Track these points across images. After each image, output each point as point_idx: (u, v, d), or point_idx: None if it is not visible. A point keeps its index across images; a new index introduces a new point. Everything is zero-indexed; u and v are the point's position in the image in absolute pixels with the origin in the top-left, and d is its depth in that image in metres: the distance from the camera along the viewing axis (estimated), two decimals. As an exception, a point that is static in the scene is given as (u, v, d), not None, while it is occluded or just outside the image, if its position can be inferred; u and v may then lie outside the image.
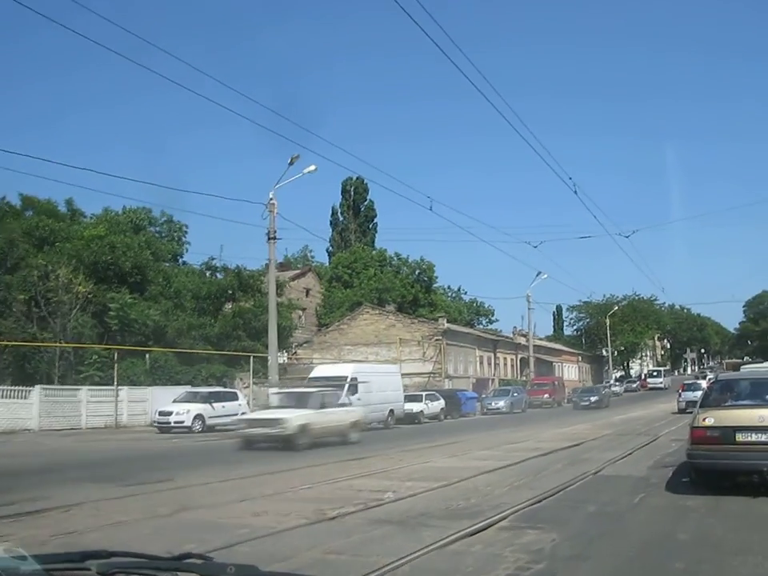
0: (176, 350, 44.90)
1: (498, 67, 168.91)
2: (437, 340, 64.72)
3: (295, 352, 67.72)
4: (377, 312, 67.52)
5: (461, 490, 12.21)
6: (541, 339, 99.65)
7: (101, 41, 54.18)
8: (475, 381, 67.67)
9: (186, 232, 66.71)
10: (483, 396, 56.27)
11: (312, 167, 37.12)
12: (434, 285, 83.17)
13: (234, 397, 35.37)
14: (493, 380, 71.93)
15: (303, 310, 75.14)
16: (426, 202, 72.87)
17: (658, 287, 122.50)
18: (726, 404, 11.95)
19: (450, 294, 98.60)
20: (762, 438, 10.68)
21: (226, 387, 42.52)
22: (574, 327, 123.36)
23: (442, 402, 43.45)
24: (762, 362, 46.33)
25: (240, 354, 46.98)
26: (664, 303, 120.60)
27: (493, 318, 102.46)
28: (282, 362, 58.59)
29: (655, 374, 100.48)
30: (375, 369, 39.22)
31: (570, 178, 29.94)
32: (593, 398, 56.50)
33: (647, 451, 18.87)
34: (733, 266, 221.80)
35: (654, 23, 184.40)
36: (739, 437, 10.81)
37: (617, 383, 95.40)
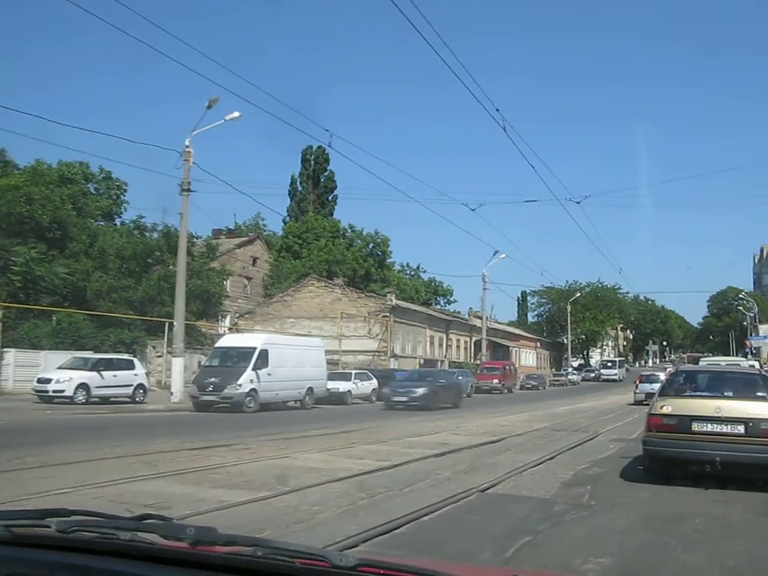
0: (85, 312, 40.69)
1: (474, 51, 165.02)
2: (384, 317, 60.99)
3: (236, 323, 64.12)
4: (323, 285, 63.68)
5: (270, 510, 8.29)
6: (500, 323, 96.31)
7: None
8: (423, 362, 64.00)
9: (125, 190, 62.85)
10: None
11: (235, 113, 32.85)
12: (389, 260, 79.20)
13: (129, 365, 31.12)
14: (443, 362, 68.27)
15: (249, 279, 71.49)
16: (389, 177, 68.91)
17: (615, 267, 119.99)
18: (685, 394, 11.95)
19: (408, 272, 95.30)
20: (717, 428, 10.67)
21: (135, 355, 38.51)
22: (535, 312, 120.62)
23: (374, 382, 39.57)
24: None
25: (163, 320, 42.60)
26: (627, 293, 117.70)
27: (451, 299, 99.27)
28: (223, 332, 54.99)
29: (609, 364, 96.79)
30: (292, 341, 34.99)
31: (498, 110, 25.77)
32: (414, 394, 33.44)
33: (575, 455, 15.04)
34: (698, 259, 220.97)
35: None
36: (695, 426, 10.81)
37: (575, 372, 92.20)
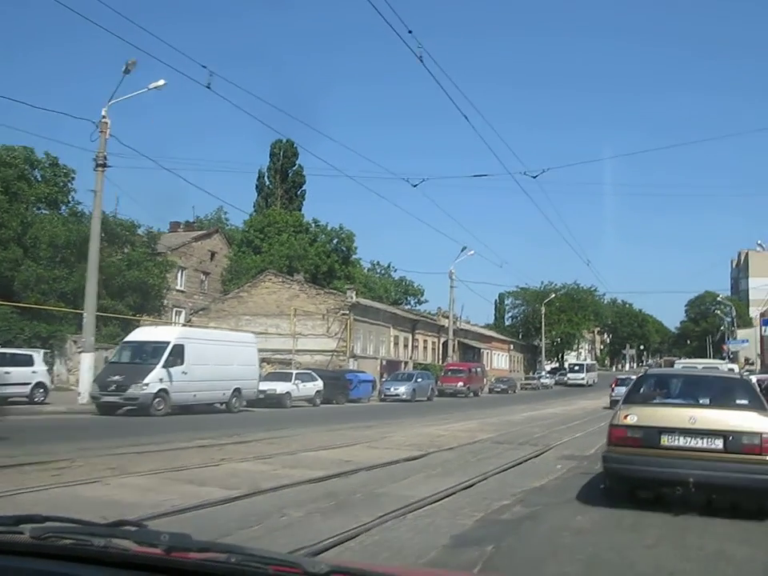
0: (8, 304, 36.93)
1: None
2: (343, 314, 57.31)
3: (190, 319, 60.48)
4: (280, 280, 59.98)
5: None
6: (472, 324, 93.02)
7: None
8: (385, 363, 60.49)
9: (73, 178, 59.10)
10: (384, 380, 49.14)
11: (160, 81, 29.24)
12: (354, 256, 75.58)
13: (27, 361, 27.34)
14: (407, 363, 64.78)
15: (206, 274, 67.96)
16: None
17: (583, 259, 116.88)
18: (654, 401, 10.14)
19: (379, 271, 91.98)
20: (691, 442, 8.91)
21: (51, 350, 34.82)
22: (509, 314, 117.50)
23: (319, 384, 35.99)
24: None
25: (104, 314, 38.76)
26: (604, 294, 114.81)
27: (422, 299, 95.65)
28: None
29: (577, 368, 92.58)
30: (215, 335, 31.00)
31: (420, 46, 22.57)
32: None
33: (504, 481, 11.44)
34: (677, 262, 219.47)
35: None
36: (665, 440, 9.00)
37: (548, 375, 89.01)
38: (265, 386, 32.57)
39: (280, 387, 33.23)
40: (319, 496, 9.28)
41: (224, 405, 28.47)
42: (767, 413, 9.07)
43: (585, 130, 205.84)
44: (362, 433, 19.57)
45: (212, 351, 27.35)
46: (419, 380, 46.98)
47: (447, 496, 9.57)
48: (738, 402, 9.64)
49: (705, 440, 8.78)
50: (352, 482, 10.68)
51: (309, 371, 37.71)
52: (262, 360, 48.55)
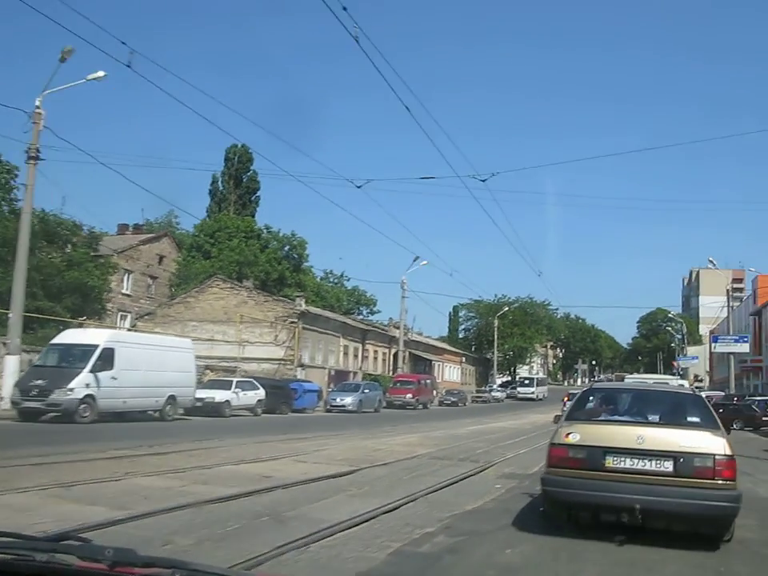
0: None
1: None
2: (291, 323, 56.07)
3: (134, 324, 58.81)
4: (228, 286, 58.58)
5: None
6: (423, 336, 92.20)
7: None
8: (334, 373, 59.29)
9: (16, 175, 57.18)
10: (329, 390, 48.00)
11: (100, 73, 27.98)
12: (305, 264, 74.28)
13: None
14: (356, 373, 63.66)
15: (154, 278, 66.38)
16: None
17: (534, 270, 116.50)
18: (599, 418, 9.18)
19: (332, 280, 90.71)
20: (639, 464, 8.00)
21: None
22: (463, 327, 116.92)
23: (260, 393, 34.72)
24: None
25: (33, 315, 37.05)
26: (557, 309, 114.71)
27: (375, 309, 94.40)
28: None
29: (527, 382, 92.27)
30: (149, 340, 29.62)
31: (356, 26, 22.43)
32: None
33: (434, 502, 10.32)
34: (629, 280, 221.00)
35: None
36: (610, 461, 8.08)
37: (500, 388, 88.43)
38: (203, 393, 31.28)
39: (219, 395, 31.94)
40: (218, 519, 8.13)
41: (158, 412, 27.16)
42: (721, 432, 8.29)
43: (538, 136, 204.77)
44: (295, 445, 18.44)
45: (145, 356, 26.04)
46: (366, 391, 45.91)
47: (366, 521, 8.46)
48: (689, 419, 8.89)
49: (653, 462, 7.93)
50: (262, 502, 9.53)
51: (250, 379, 36.41)
52: (206, 367, 47.31)
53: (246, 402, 33.80)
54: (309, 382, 45.16)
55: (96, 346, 24.46)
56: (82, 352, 24.35)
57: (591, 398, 9.96)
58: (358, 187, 30.14)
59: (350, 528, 7.99)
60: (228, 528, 7.72)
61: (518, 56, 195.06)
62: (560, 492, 8.22)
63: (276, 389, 37.80)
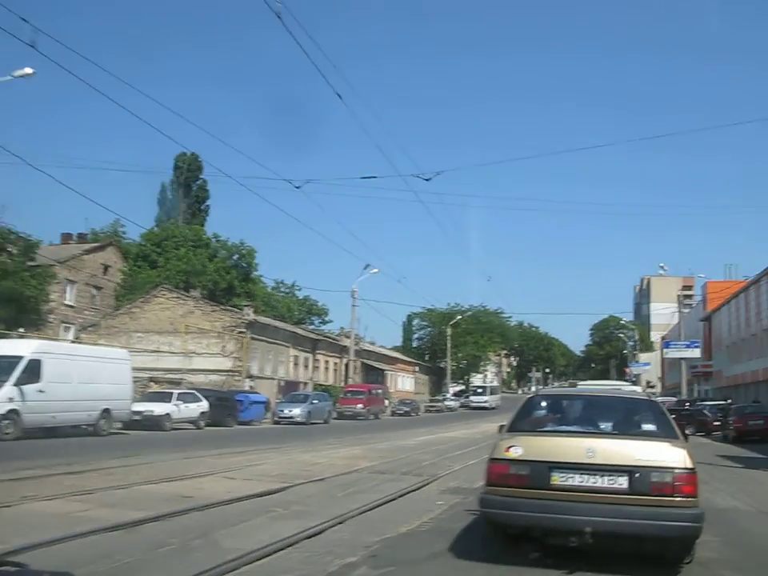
0: None
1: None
2: (239, 333, 54.82)
3: (78, 336, 57.08)
4: (175, 296, 57.17)
5: None
6: (375, 345, 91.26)
7: None
8: (284, 384, 58.12)
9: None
10: (277, 401, 46.85)
11: (27, 70, 26.65)
12: (255, 273, 72.87)
13: None
14: (306, 384, 62.53)
15: (98, 288, 64.51)
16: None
17: (483, 276, 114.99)
18: (544, 428, 8.26)
19: (283, 290, 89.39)
20: (589, 481, 7.06)
21: None
22: (416, 336, 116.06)
23: (203, 405, 33.49)
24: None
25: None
26: (510, 317, 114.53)
27: (327, 318, 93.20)
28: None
29: (480, 390, 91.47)
30: (81, 351, 28.21)
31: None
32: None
33: (363, 525, 9.28)
34: (583, 286, 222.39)
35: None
36: (556, 478, 7.11)
37: (453, 397, 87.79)
38: (141, 406, 30.05)
39: (158, 408, 30.66)
40: (110, 552, 7.07)
41: (92, 427, 25.87)
42: (681, 443, 7.44)
43: (486, 136, 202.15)
44: (230, 460, 17.38)
45: (77, 368, 24.74)
46: (315, 402, 44.84)
47: (282, 549, 7.48)
48: (645, 429, 8.09)
49: (606, 478, 7.04)
50: (170, 528, 8.48)
51: (192, 391, 35.13)
52: (150, 379, 45.89)
53: (187, 414, 32.55)
54: (256, 393, 44.01)
55: (21, 358, 23.11)
56: (7, 364, 22.94)
57: (536, 405, 9.02)
58: (297, 188, 28.92)
59: (261, 559, 7.00)
60: (116, 564, 6.67)
61: (463, 55, 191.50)
62: (500, 514, 7.31)
63: (221, 401, 36.65)
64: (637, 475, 6.91)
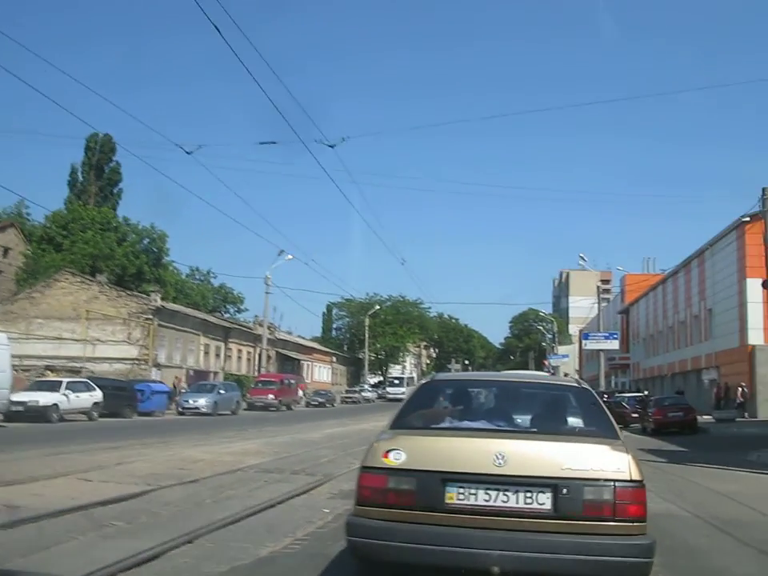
0: None
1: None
2: (146, 320, 52.35)
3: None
4: (78, 280, 54.32)
5: None
6: (294, 335, 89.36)
7: None
8: (193, 373, 55.86)
9: None
10: (182, 391, 44.63)
11: None
12: (166, 258, 70.16)
13: None
14: (217, 373, 60.34)
15: (-3, 272, 61.43)
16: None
17: (397, 258, 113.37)
18: (440, 425, 6.02)
19: (198, 277, 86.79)
20: (499, 500, 5.06)
21: None
22: (334, 326, 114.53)
23: (97, 394, 31.17)
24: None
25: None
26: (429, 308, 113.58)
27: (243, 307, 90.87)
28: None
29: (396, 382, 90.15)
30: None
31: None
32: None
33: (216, 546, 7.19)
34: (503, 279, 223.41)
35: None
36: (453, 495, 5.10)
37: (371, 388, 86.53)
38: (25, 396, 27.73)
39: (44, 398, 28.22)
40: None
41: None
42: (621, 444, 5.49)
43: (404, 97, 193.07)
44: (100, 457, 15.32)
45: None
46: (222, 392, 42.72)
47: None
48: (576, 425, 6.22)
49: (521, 495, 5.09)
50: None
51: (85, 380, 32.70)
52: (47, 368, 43.29)
53: (79, 405, 30.19)
54: (157, 382, 41.69)
55: None
56: None
57: (431, 394, 7.02)
58: (188, 153, 26.54)
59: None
60: None
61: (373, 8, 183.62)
62: (373, 545, 5.14)
63: (118, 390, 34.39)
64: (564, 491, 5.04)
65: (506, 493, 5.08)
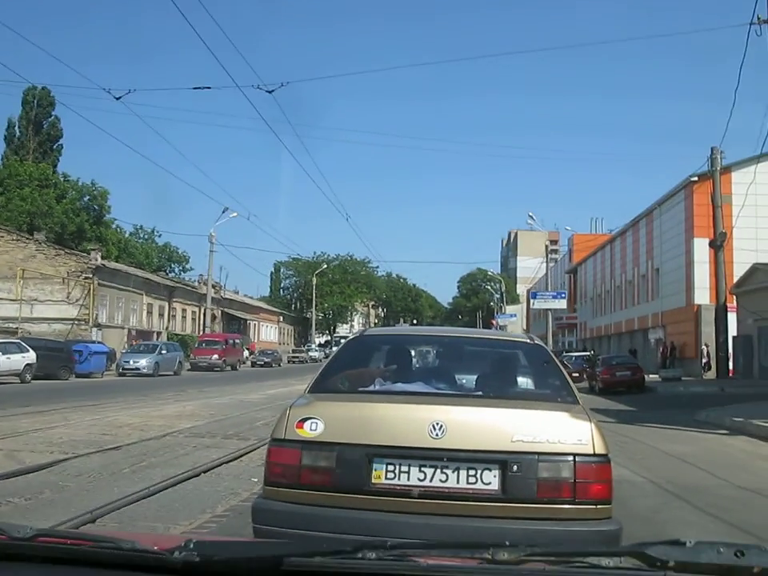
0: None
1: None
2: (86, 279, 50.78)
3: None
4: (14, 238, 52.37)
5: None
6: (241, 294, 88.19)
7: None
8: (135, 333, 54.55)
9: None
10: (123, 352, 43.45)
11: None
12: (107, 215, 68.33)
13: None
14: (160, 333, 59.10)
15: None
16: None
17: (342, 214, 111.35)
18: (367, 388, 5.07)
19: (142, 236, 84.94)
20: (436, 479, 4.17)
21: None
22: (282, 285, 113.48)
23: (30, 356, 29.95)
24: None
25: None
26: (378, 267, 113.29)
27: (187, 266, 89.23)
28: None
29: (342, 341, 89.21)
30: None
31: None
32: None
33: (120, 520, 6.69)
34: (451, 239, 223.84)
35: None
36: (380, 474, 4.21)
37: (318, 348, 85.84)
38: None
39: (-29, 361, 27.06)
40: None
41: None
42: (582, 410, 4.63)
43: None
44: (19, 423, 14.19)
45: None
46: (164, 352, 41.65)
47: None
48: (528, 388, 5.43)
49: (463, 473, 4.22)
50: None
51: (16, 341, 31.45)
52: (-22, 328, 41.72)
53: (9, 367, 28.94)
54: (96, 342, 40.46)
55: None
56: None
57: (359, 352, 5.95)
58: (117, 98, 25.03)
59: None
60: None
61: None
62: (287, 535, 4.13)
63: (53, 351, 33.12)
64: (514, 468, 4.19)
65: (445, 470, 4.24)
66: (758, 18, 15.75)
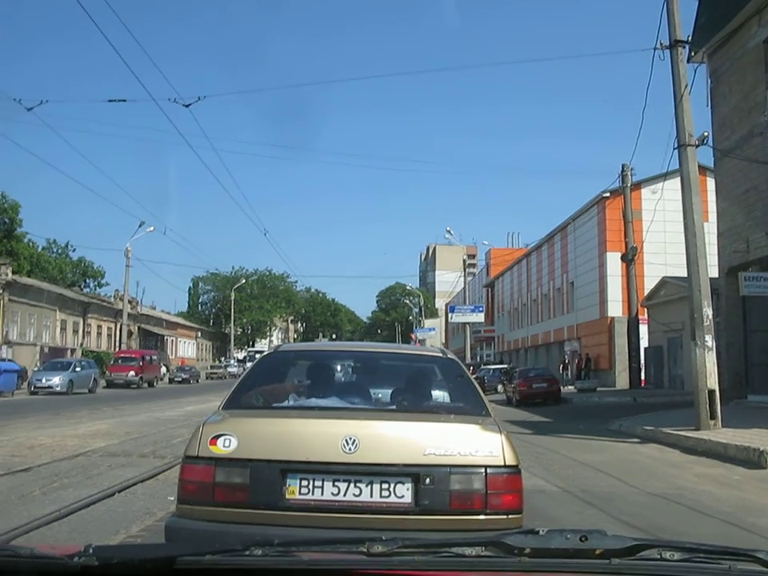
0: None
1: None
2: (-4, 294, 49.45)
3: None
4: None
5: None
6: (157, 310, 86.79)
7: None
8: (47, 350, 53.22)
9: None
10: (35, 369, 42.36)
11: None
12: (19, 229, 66.47)
13: None
14: (74, 350, 57.80)
15: None
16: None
17: (259, 229, 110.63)
18: (281, 404, 5.20)
19: (55, 250, 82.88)
20: (350, 494, 4.24)
21: None
22: (200, 300, 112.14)
23: None
24: None
25: None
26: (296, 282, 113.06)
27: (103, 282, 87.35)
28: None
29: (258, 356, 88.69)
30: None
31: None
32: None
33: None
34: (369, 256, 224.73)
35: None
36: (294, 489, 4.24)
37: (237, 363, 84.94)
38: None
39: None
40: None
41: None
42: (493, 422, 4.76)
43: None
44: None
45: None
46: (78, 369, 40.67)
47: None
48: (441, 402, 5.58)
49: (377, 487, 4.30)
50: None
51: None
52: None
53: None
54: (6, 360, 39.35)
55: None
56: None
57: (273, 367, 6.05)
58: (29, 110, 24.35)
59: None
60: None
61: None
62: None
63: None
64: (427, 481, 4.27)
65: (358, 484, 4.29)
66: (661, 44, 16.96)
